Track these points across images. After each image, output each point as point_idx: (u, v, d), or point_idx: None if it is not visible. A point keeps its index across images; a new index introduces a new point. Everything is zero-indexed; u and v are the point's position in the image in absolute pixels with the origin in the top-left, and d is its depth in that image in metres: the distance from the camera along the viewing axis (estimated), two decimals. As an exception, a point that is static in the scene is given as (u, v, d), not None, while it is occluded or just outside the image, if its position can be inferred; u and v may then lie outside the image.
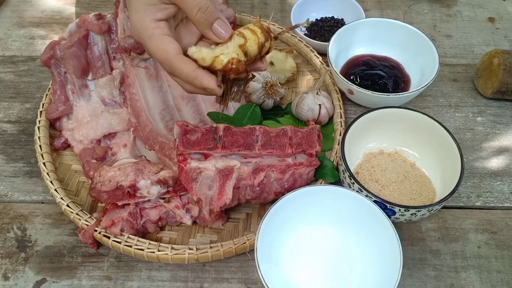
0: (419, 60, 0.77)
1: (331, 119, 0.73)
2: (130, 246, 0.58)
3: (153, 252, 0.58)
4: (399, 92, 0.75)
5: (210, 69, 0.48)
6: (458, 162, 0.60)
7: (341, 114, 0.72)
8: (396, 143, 0.70)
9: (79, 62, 0.69)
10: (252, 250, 0.56)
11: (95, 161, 0.65)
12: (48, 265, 0.61)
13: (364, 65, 0.79)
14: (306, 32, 0.87)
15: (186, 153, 0.55)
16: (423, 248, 0.63)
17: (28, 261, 0.61)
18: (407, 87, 0.77)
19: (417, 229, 0.65)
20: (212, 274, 0.61)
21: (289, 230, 0.60)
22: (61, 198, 0.62)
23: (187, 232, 0.64)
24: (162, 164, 0.61)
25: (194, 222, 0.63)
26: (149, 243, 0.59)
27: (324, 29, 0.87)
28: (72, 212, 0.61)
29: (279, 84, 0.73)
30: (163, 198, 0.61)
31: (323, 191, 0.59)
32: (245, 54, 0.48)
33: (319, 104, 0.71)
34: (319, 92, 0.72)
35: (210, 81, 0.47)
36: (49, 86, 0.74)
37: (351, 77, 0.77)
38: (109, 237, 0.59)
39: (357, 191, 0.59)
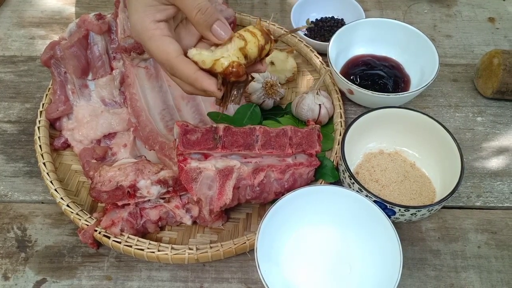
0: (419, 60, 0.77)
1: (331, 119, 0.73)
2: (130, 246, 0.58)
3: (153, 252, 0.58)
4: (399, 92, 0.75)
5: (210, 72, 0.48)
6: (458, 162, 0.60)
7: (341, 114, 0.72)
8: (396, 143, 0.70)
9: (79, 62, 0.69)
10: (252, 250, 0.56)
11: (95, 161, 0.65)
12: (48, 265, 0.61)
13: (364, 65, 0.79)
14: (306, 32, 0.87)
15: (186, 153, 0.55)
16: (423, 248, 0.63)
17: (28, 261, 0.61)
18: (407, 87, 0.77)
19: (417, 229, 0.65)
20: (212, 274, 0.61)
21: (289, 230, 0.60)
22: (61, 198, 0.62)
23: (187, 232, 0.64)
24: (162, 164, 0.61)
25: (194, 222, 0.63)
26: (149, 243, 0.59)
27: (324, 29, 0.87)
28: (72, 212, 0.61)
29: (279, 84, 0.73)
30: (163, 198, 0.61)
31: (323, 191, 0.59)
32: (245, 57, 0.48)
33: (319, 104, 0.71)
34: (319, 92, 0.72)
35: (210, 84, 0.47)
36: (49, 86, 0.74)
37: (351, 77, 0.77)
38: (109, 237, 0.59)
39: (357, 191, 0.59)
